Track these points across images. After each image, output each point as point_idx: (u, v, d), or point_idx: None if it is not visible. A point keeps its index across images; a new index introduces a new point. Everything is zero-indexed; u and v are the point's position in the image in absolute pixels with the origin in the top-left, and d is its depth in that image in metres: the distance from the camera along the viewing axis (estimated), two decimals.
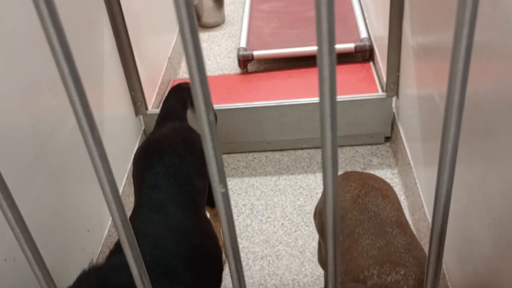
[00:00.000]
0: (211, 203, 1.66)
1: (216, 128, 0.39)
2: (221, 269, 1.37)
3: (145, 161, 1.43)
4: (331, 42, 0.35)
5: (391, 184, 2.10)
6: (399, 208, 1.25)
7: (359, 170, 1.46)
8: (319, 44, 0.35)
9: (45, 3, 0.33)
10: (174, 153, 1.41)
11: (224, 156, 2.35)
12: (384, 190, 1.28)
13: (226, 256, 0.45)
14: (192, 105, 1.79)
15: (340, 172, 2.20)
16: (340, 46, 2.63)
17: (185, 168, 1.39)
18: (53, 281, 0.48)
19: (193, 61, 0.36)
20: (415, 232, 1.89)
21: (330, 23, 0.34)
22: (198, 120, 0.38)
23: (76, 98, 0.36)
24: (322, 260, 1.54)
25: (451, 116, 0.41)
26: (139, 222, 1.26)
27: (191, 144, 1.46)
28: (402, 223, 1.19)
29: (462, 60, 0.39)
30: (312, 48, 2.67)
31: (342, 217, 1.25)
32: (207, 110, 0.38)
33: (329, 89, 0.37)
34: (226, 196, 0.41)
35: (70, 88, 0.36)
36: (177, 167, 1.38)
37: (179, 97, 1.72)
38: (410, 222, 1.94)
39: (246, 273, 1.86)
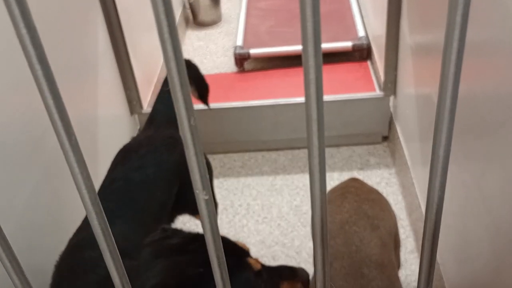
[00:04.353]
0: (191, 211, 1.64)
1: (197, 132, 0.37)
2: None
3: (111, 166, 1.42)
4: (317, 42, 0.34)
5: (389, 184, 2.10)
6: (386, 243, 1.19)
7: (360, 178, 1.42)
8: (304, 44, 0.34)
9: (16, 2, 0.32)
10: (136, 161, 1.39)
11: (220, 156, 2.34)
12: (376, 219, 1.22)
13: (212, 264, 0.44)
14: (191, 84, 1.73)
15: (337, 173, 2.19)
16: (337, 45, 2.61)
17: (141, 177, 1.36)
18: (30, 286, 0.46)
19: (172, 62, 0.34)
20: (411, 234, 1.87)
21: (316, 22, 0.32)
22: (179, 125, 0.37)
23: (51, 102, 0.35)
24: None
25: (443, 119, 0.40)
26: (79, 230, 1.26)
27: (160, 156, 1.43)
28: (383, 263, 1.13)
29: (453, 61, 0.37)
30: None
31: None
32: (188, 114, 0.36)
33: (315, 91, 0.35)
34: (209, 203, 0.40)
35: (44, 90, 0.35)
36: (133, 175, 1.35)
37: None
38: (407, 222, 1.92)
39: None
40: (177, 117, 0.36)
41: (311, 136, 0.37)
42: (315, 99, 0.35)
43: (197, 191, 0.39)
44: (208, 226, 0.40)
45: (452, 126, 0.40)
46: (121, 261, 0.44)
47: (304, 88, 0.36)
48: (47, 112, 0.36)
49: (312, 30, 0.33)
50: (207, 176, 0.39)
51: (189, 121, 0.36)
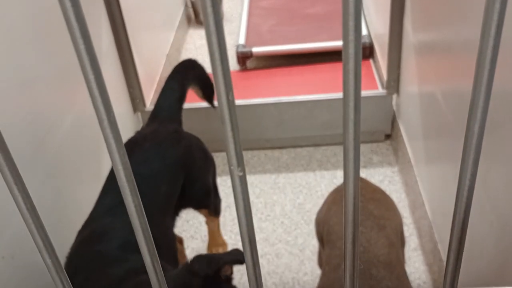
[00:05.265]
0: (195, 205, 1.65)
1: (234, 108, 0.38)
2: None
3: None
4: (358, 32, 0.34)
5: (392, 182, 2.11)
6: (394, 243, 1.19)
7: (364, 178, 1.42)
8: (345, 17, 0.34)
9: None
10: (141, 155, 1.40)
11: (223, 154, 2.34)
12: (383, 218, 1.22)
13: (242, 244, 0.44)
14: (196, 84, 1.74)
15: (340, 172, 2.19)
16: (339, 43, 2.62)
17: (146, 171, 1.37)
18: (63, 271, 0.46)
19: (213, 37, 0.34)
20: (415, 232, 1.88)
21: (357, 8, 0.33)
22: (218, 100, 0.37)
23: (92, 77, 0.35)
24: (321, 264, 1.53)
25: (476, 109, 0.40)
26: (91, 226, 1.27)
27: (165, 150, 1.44)
28: (391, 263, 1.13)
29: (489, 56, 0.38)
30: (311, 45, 2.66)
31: (333, 244, 1.20)
32: (226, 89, 0.36)
33: (354, 66, 0.35)
34: (243, 180, 0.40)
35: (86, 66, 0.35)
36: (138, 169, 1.36)
37: (174, 89, 1.63)
38: (410, 220, 1.93)
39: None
40: (216, 91, 0.37)
41: (348, 129, 0.38)
42: (353, 74, 0.36)
43: (232, 167, 0.39)
44: (241, 203, 0.41)
45: (484, 120, 0.40)
46: (152, 240, 0.44)
47: (343, 64, 0.36)
48: (87, 87, 0.36)
49: (354, 5, 0.33)
50: (242, 153, 0.40)
51: (227, 96, 0.36)
